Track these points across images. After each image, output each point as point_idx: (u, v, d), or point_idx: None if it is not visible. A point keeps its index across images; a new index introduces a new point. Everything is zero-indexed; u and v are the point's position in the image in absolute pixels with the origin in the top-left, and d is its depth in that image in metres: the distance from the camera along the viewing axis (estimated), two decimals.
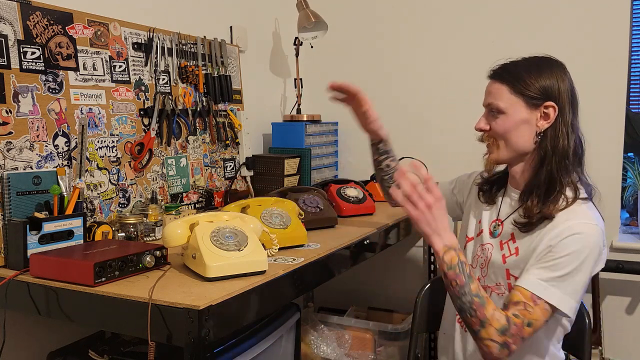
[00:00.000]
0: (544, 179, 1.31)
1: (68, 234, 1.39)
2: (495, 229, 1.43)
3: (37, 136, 1.48)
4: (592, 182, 1.36)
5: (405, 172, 1.33)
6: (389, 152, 1.66)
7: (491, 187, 1.49)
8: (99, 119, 1.66)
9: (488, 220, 1.46)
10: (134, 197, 1.76)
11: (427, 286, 1.76)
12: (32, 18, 1.48)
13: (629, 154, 2.42)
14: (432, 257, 2.51)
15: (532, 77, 1.31)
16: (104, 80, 1.68)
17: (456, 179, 1.66)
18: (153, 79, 1.85)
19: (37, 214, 1.37)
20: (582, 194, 1.32)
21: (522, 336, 1.24)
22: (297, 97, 2.48)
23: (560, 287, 1.24)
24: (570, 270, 1.23)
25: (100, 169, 1.65)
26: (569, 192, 1.31)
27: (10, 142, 1.42)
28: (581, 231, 1.24)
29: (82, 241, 1.42)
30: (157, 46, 1.85)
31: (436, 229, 1.30)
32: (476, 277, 1.44)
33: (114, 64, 1.71)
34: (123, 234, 1.54)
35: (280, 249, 1.48)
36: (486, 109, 1.39)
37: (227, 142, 2.14)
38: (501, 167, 1.48)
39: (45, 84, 1.51)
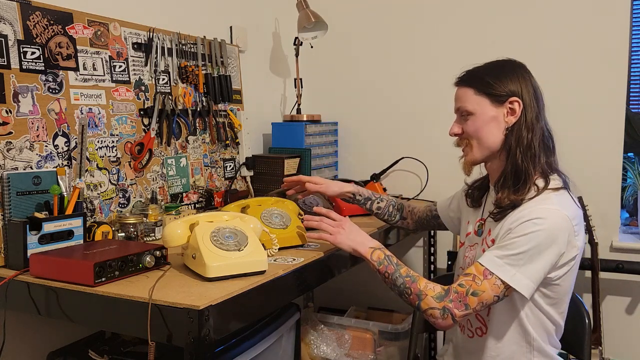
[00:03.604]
0: (510, 170, 1.36)
1: (68, 234, 1.39)
2: (480, 228, 1.46)
3: (37, 136, 1.48)
4: (565, 173, 1.40)
5: (308, 217, 1.52)
6: (370, 198, 1.76)
7: (475, 191, 1.54)
8: (99, 119, 1.66)
9: (474, 221, 1.50)
10: (134, 197, 1.76)
11: None
12: (32, 18, 1.48)
13: (629, 154, 2.42)
14: (432, 257, 2.51)
15: (494, 78, 1.37)
16: (104, 80, 1.68)
17: (453, 196, 1.70)
18: (153, 79, 1.85)
19: (37, 214, 1.37)
20: (556, 184, 1.35)
21: (465, 303, 1.27)
22: (297, 97, 2.48)
23: (515, 265, 1.26)
24: (526, 250, 1.26)
25: (100, 169, 1.65)
26: (539, 182, 1.35)
27: (10, 142, 1.42)
28: (540, 215, 1.27)
29: (82, 241, 1.42)
30: (157, 46, 1.85)
31: (356, 239, 1.44)
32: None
33: (114, 64, 1.71)
34: (123, 234, 1.54)
35: (280, 249, 1.48)
36: (457, 114, 1.44)
37: (227, 142, 2.14)
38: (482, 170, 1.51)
39: (45, 84, 1.51)
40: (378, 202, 1.75)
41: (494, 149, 1.39)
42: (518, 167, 1.35)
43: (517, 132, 1.36)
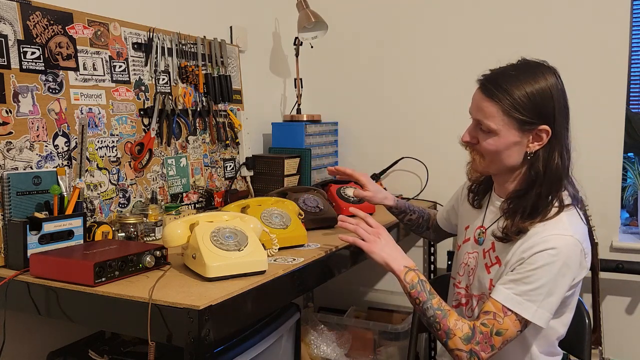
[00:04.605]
0: (532, 201, 1.28)
1: (68, 234, 1.39)
2: (480, 237, 1.42)
3: (37, 136, 1.48)
4: (578, 186, 1.34)
5: (344, 219, 1.46)
6: (405, 212, 1.75)
7: (479, 188, 1.49)
8: (99, 119, 1.66)
9: (474, 227, 1.46)
10: (134, 197, 1.76)
11: None
12: (32, 18, 1.48)
13: (629, 154, 2.42)
14: (432, 257, 2.51)
15: (527, 97, 1.24)
16: (104, 80, 1.68)
17: (452, 197, 1.67)
18: (153, 79, 1.85)
19: (37, 214, 1.37)
20: (566, 200, 1.30)
21: (491, 344, 1.24)
22: (297, 97, 2.48)
23: (535, 300, 1.23)
24: (544, 283, 1.22)
25: (100, 169, 1.65)
26: (555, 203, 1.30)
27: (10, 142, 1.42)
28: (554, 245, 1.22)
29: (82, 241, 1.42)
30: (157, 46, 1.85)
31: (391, 254, 1.38)
32: (463, 285, 1.46)
33: (114, 64, 1.71)
34: (123, 234, 1.54)
35: (280, 249, 1.48)
36: (473, 121, 1.34)
37: (227, 142, 2.14)
38: None
39: (45, 84, 1.51)
40: (410, 215, 1.75)
41: (509, 168, 1.33)
42: (541, 198, 1.28)
43: (546, 160, 1.27)
